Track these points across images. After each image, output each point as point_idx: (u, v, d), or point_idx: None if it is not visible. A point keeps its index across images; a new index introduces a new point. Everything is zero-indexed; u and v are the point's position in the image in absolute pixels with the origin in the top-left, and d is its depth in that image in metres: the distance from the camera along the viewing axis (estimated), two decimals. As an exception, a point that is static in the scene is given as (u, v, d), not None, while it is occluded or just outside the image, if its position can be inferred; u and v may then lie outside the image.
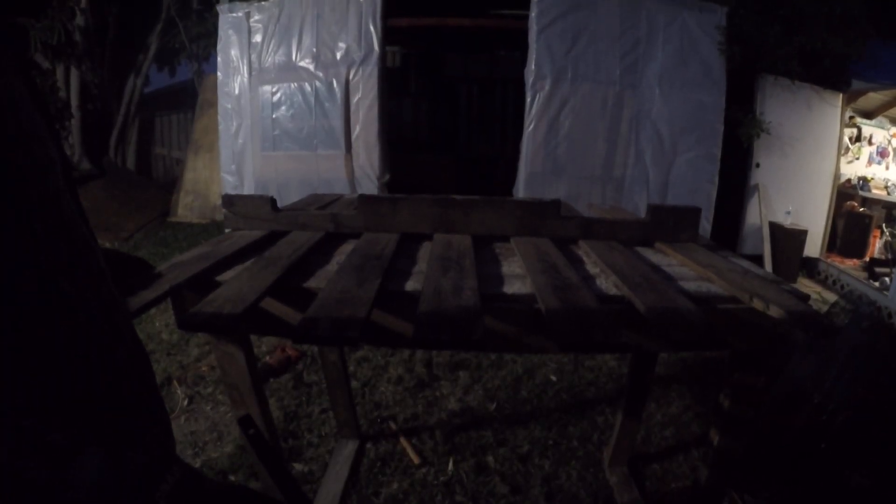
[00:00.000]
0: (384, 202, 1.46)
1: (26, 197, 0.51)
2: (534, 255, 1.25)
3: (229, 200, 1.49)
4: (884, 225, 5.12)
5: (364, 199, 1.46)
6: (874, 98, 5.11)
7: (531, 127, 4.26)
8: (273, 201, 1.48)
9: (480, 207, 1.45)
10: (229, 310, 0.91)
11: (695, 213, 1.49)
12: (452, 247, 1.30)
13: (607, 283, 1.14)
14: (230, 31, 4.75)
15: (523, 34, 4.26)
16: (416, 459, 2.13)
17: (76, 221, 0.58)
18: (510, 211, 1.45)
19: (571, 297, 0.99)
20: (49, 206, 0.54)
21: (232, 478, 2.04)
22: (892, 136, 5.46)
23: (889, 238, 4.96)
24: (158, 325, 3.29)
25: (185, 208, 6.45)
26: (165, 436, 0.71)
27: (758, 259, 4.59)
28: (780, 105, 4.63)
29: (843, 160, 5.06)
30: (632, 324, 1.04)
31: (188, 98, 7.83)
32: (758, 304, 1.01)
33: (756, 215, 4.81)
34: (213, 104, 5.70)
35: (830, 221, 5.07)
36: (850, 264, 4.94)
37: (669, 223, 1.47)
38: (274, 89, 4.66)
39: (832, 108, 4.79)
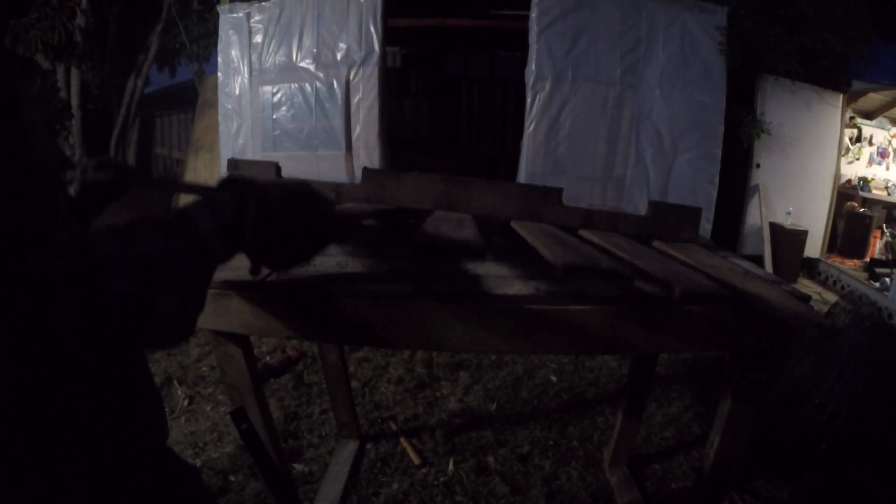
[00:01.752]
0: (388, 175, 1.46)
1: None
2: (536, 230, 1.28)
3: (234, 164, 1.49)
4: (884, 225, 5.12)
5: (368, 171, 1.47)
6: (874, 98, 5.11)
7: (531, 127, 4.26)
8: (278, 167, 1.46)
9: (484, 188, 1.45)
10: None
11: (696, 212, 1.49)
12: (453, 217, 1.32)
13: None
14: (231, 32, 4.76)
15: (524, 34, 4.26)
16: (416, 460, 2.13)
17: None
18: (513, 193, 1.45)
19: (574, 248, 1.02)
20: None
21: (232, 478, 2.04)
22: (893, 136, 5.46)
23: (889, 238, 4.95)
24: (159, 325, 3.29)
25: (186, 208, 6.44)
26: (162, 427, 0.69)
27: (758, 259, 4.59)
28: (781, 105, 4.63)
29: (843, 161, 5.06)
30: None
31: (188, 98, 7.82)
32: (762, 306, 1.01)
33: (756, 216, 4.80)
34: (213, 104, 5.70)
35: (831, 222, 5.07)
36: (851, 265, 4.94)
37: (670, 220, 1.47)
38: (274, 90, 4.66)
39: (832, 108, 4.79)
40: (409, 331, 1.09)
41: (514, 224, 1.39)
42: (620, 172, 4.41)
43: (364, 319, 1.09)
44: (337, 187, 1.46)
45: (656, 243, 1.46)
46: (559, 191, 1.46)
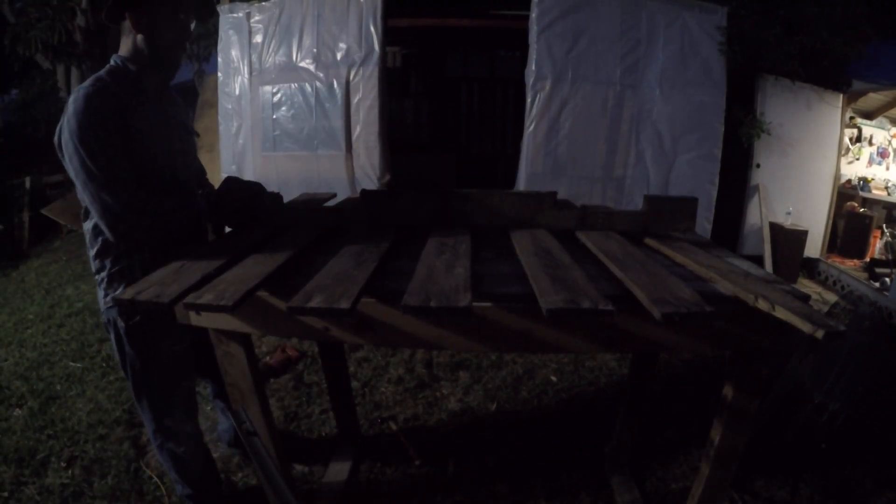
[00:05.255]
0: (384, 195, 1.52)
1: None
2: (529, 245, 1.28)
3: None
4: (884, 225, 5.12)
5: (365, 192, 1.51)
6: (874, 99, 5.11)
7: (531, 127, 4.25)
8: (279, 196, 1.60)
9: (478, 200, 1.47)
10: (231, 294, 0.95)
11: (691, 203, 1.50)
12: (448, 244, 1.33)
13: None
14: (231, 32, 4.75)
15: (524, 34, 4.26)
16: (416, 460, 2.13)
17: None
18: (507, 203, 1.47)
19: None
20: None
21: (233, 478, 2.04)
22: (893, 136, 5.46)
23: (889, 238, 4.95)
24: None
25: (186, 208, 6.44)
26: None
27: (758, 259, 4.59)
28: (781, 105, 4.62)
29: (843, 161, 5.05)
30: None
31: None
32: (763, 305, 1.01)
33: (756, 215, 4.80)
34: (213, 105, 5.70)
35: (831, 222, 5.06)
36: (851, 265, 4.93)
37: (666, 213, 1.48)
38: (274, 90, 4.65)
39: (832, 108, 4.78)
40: (409, 331, 1.09)
41: (511, 235, 1.40)
42: (620, 172, 4.41)
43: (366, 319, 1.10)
44: (337, 210, 1.54)
45: (649, 241, 1.46)
46: (553, 195, 1.47)
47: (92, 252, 1.48)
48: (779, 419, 2.18)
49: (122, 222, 1.31)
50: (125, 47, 1.41)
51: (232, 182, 1.51)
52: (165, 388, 1.60)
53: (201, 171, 1.80)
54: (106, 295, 1.49)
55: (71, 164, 1.30)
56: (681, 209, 1.48)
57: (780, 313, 0.96)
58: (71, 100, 1.29)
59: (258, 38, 4.65)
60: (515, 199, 1.48)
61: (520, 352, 2.87)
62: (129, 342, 1.51)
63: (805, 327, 0.90)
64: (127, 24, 1.37)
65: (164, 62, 1.43)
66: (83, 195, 1.33)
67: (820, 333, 0.86)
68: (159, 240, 1.40)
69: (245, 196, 1.50)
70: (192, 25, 1.49)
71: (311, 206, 1.61)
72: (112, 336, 1.54)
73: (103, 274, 1.48)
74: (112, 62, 1.41)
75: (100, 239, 1.44)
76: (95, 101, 1.28)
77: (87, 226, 1.45)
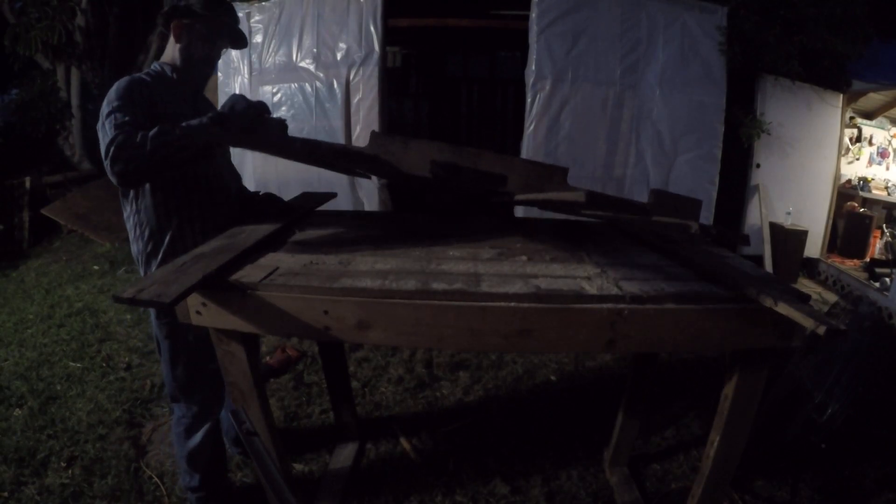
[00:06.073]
0: (395, 140, 1.47)
1: None
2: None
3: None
4: (884, 225, 5.11)
5: (376, 135, 1.49)
6: (875, 98, 5.11)
7: (531, 127, 4.25)
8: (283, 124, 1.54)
9: (491, 160, 1.44)
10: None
11: (696, 204, 1.50)
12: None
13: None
14: (231, 32, 4.75)
15: (524, 35, 4.26)
16: (416, 459, 2.12)
17: None
18: (519, 168, 1.44)
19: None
20: None
21: (232, 478, 2.04)
22: (893, 136, 5.46)
23: (889, 238, 4.95)
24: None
25: (186, 208, 6.43)
26: None
27: (758, 259, 4.59)
28: (781, 105, 4.62)
29: (843, 161, 5.05)
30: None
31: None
32: (766, 303, 1.01)
33: (756, 215, 4.80)
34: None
35: (831, 222, 5.06)
36: (851, 265, 4.93)
37: (670, 209, 1.48)
38: (274, 90, 4.65)
39: (833, 108, 4.78)
40: (410, 330, 1.09)
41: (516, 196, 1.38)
42: (620, 172, 4.41)
43: (365, 319, 1.09)
44: (345, 150, 1.50)
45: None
46: (564, 170, 1.46)
47: (131, 237, 1.61)
48: (779, 419, 2.18)
49: (118, 161, 1.33)
50: (167, 55, 1.62)
51: (237, 99, 1.44)
52: (195, 370, 1.66)
53: (236, 176, 1.83)
54: (145, 274, 1.57)
55: (100, 131, 1.40)
56: (685, 207, 1.49)
57: (783, 310, 0.96)
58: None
59: (258, 38, 4.65)
60: (527, 166, 1.46)
61: (520, 351, 2.87)
62: (157, 324, 1.61)
63: (807, 323, 0.90)
64: (171, 35, 1.59)
65: (193, 73, 1.63)
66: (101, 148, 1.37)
67: (822, 329, 0.87)
68: (161, 169, 1.40)
69: (250, 115, 1.41)
70: (223, 51, 1.67)
71: (319, 141, 1.58)
72: (152, 321, 1.63)
73: (142, 257, 1.59)
74: (152, 67, 1.61)
75: (136, 225, 1.56)
76: (134, 84, 1.47)
77: (125, 215, 1.58)
